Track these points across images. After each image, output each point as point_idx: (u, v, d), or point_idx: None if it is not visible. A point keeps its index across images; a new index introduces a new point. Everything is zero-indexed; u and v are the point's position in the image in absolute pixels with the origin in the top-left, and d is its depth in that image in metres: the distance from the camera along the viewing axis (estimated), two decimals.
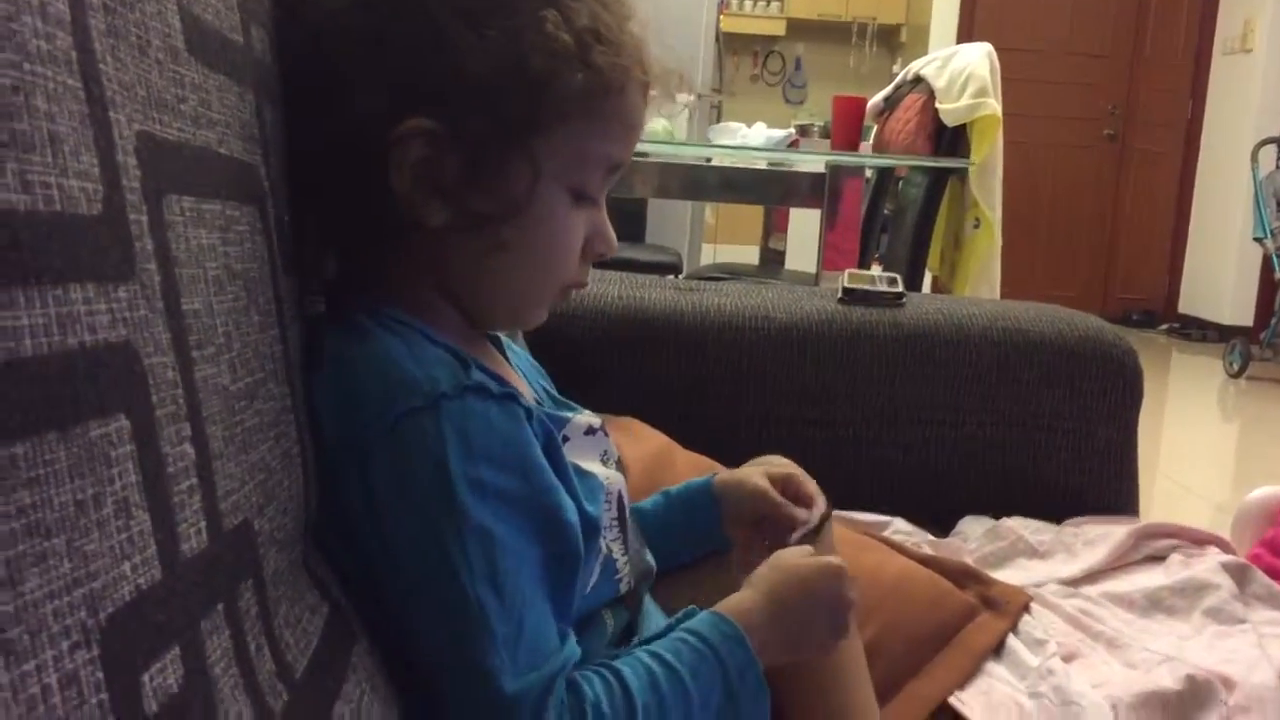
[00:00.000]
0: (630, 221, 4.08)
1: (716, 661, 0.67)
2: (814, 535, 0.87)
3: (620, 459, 0.79)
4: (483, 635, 0.59)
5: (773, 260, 4.69)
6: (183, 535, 0.41)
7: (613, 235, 0.72)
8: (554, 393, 0.83)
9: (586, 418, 0.76)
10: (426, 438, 0.60)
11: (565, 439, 0.71)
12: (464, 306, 0.71)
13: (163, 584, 0.38)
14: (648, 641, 0.70)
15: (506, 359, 0.79)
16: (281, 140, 0.63)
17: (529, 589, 0.61)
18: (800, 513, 0.86)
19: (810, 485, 0.90)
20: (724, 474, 0.91)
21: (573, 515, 0.64)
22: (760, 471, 0.89)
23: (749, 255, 5.15)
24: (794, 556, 0.76)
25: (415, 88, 0.64)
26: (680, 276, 3.74)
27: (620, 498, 0.76)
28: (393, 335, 0.65)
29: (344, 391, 0.63)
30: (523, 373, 0.80)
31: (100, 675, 0.33)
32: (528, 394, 0.75)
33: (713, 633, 0.69)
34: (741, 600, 0.72)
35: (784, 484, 0.88)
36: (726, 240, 6.43)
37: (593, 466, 0.72)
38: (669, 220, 4.50)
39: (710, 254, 5.52)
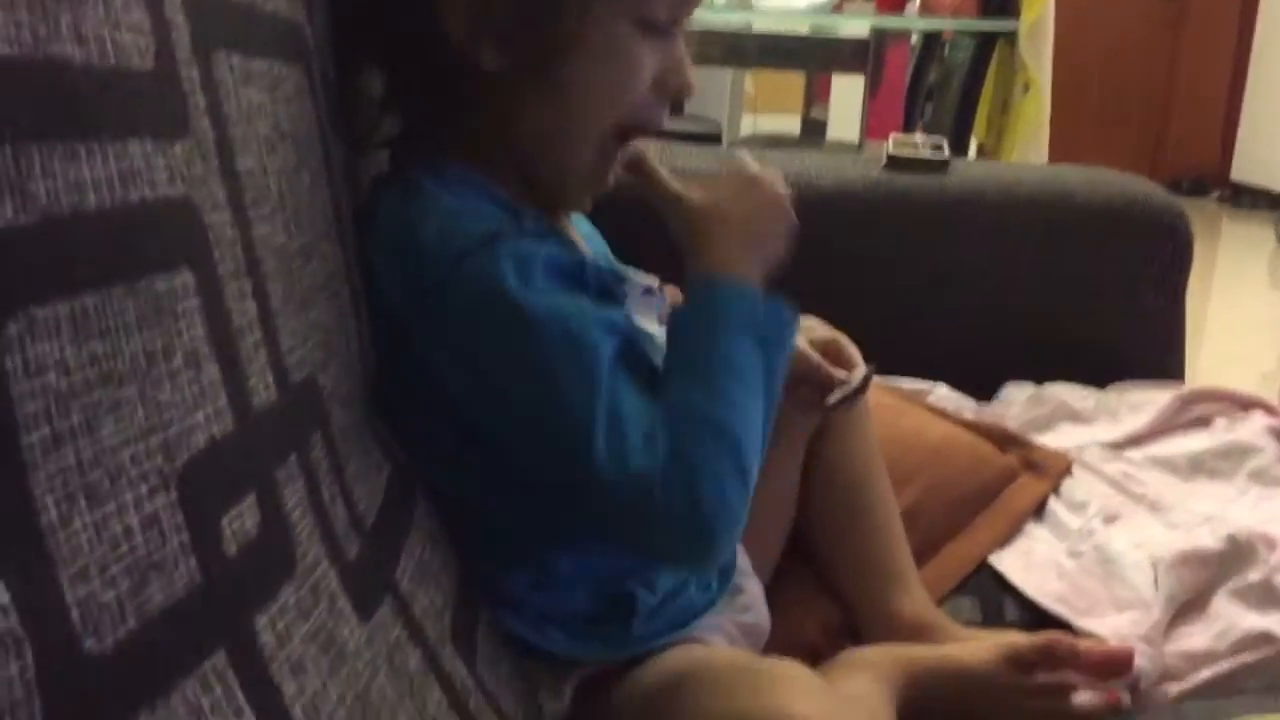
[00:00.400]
0: None
1: (711, 335, 0.67)
2: (855, 398, 0.88)
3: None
4: (587, 433, 0.61)
5: (814, 130, 4.61)
6: (252, 389, 0.42)
7: (690, 72, 0.70)
8: (612, 259, 0.84)
9: (644, 279, 0.77)
10: (486, 273, 0.61)
11: (624, 295, 0.72)
12: (522, 161, 0.70)
13: (235, 433, 0.39)
14: None
15: (568, 221, 0.79)
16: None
17: (613, 375, 0.63)
18: (840, 373, 0.86)
19: (851, 349, 0.90)
20: None
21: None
22: (803, 335, 0.89)
23: (790, 125, 5.05)
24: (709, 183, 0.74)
25: None
26: (721, 147, 3.69)
27: None
28: (448, 192, 0.66)
29: (402, 247, 0.64)
30: (584, 235, 0.80)
31: (180, 518, 0.34)
32: (587, 253, 0.75)
33: (699, 314, 0.68)
34: (692, 256, 0.71)
35: (824, 347, 0.89)
36: (767, 109, 6.31)
37: (650, 327, 0.73)
38: (707, 89, 4.41)
39: (750, 124, 5.43)
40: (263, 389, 0.42)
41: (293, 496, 0.43)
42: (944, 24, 2.95)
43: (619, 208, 1.12)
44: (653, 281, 0.76)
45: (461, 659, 0.56)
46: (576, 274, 0.66)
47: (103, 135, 0.34)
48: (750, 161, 0.74)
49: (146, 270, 0.35)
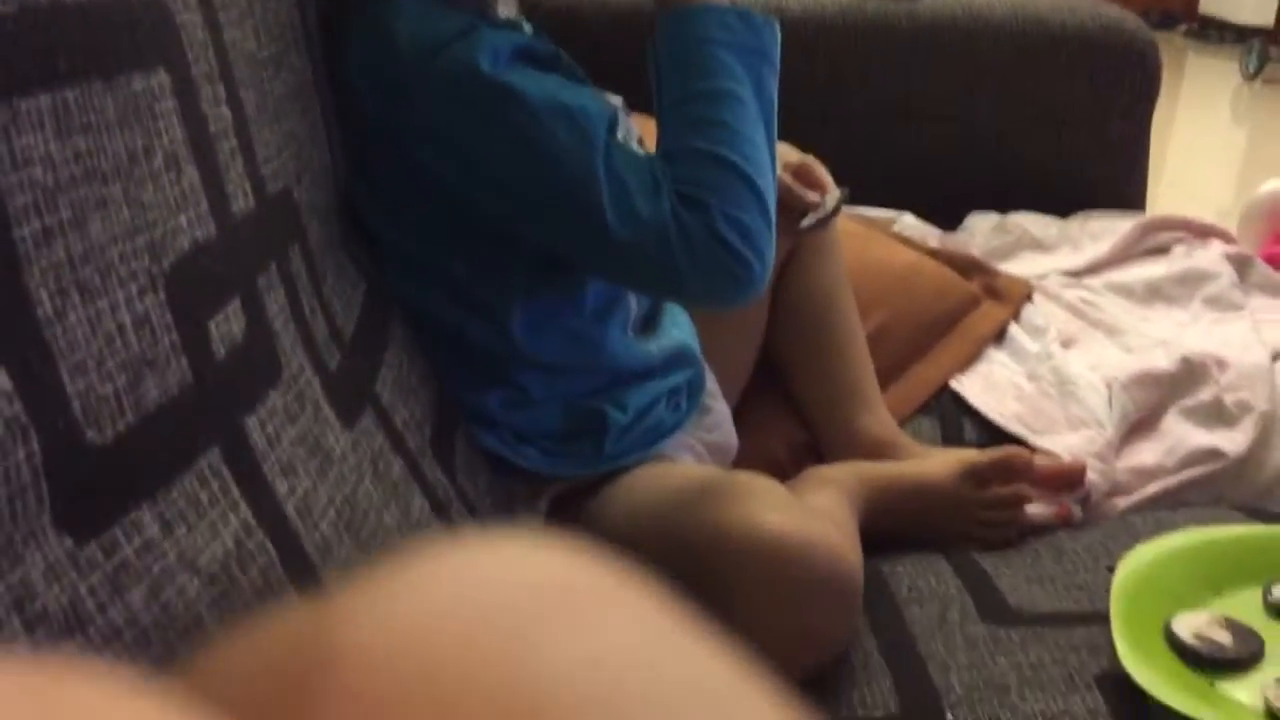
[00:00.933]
0: None
1: (690, 62, 0.67)
2: (827, 221, 0.88)
3: (642, 139, 0.79)
4: (592, 195, 0.63)
5: None
6: (231, 195, 0.41)
7: None
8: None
9: (609, 96, 0.76)
10: (464, 62, 0.62)
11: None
12: None
13: (218, 239, 0.39)
14: None
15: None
16: None
17: (608, 138, 0.64)
18: (813, 196, 0.87)
19: (823, 172, 0.90)
20: None
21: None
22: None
23: None
24: None
25: None
26: None
27: None
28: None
29: (376, 51, 0.64)
30: None
31: (169, 318, 0.35)
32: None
33: (674, 44, 0.68)
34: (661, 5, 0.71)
35: (796, 170, 0.89)
36: None
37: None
38: None
39: None
40: (241, 197, 0.42)
41: (274, 305, 0.43)
42: None
43: (571, 33, 1.10)
44: (616, 100, 0.76)
45: (442, 469, 0.57)
46: (552, 61, 0.66)
47: None
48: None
49: (124, 67, 0.35)
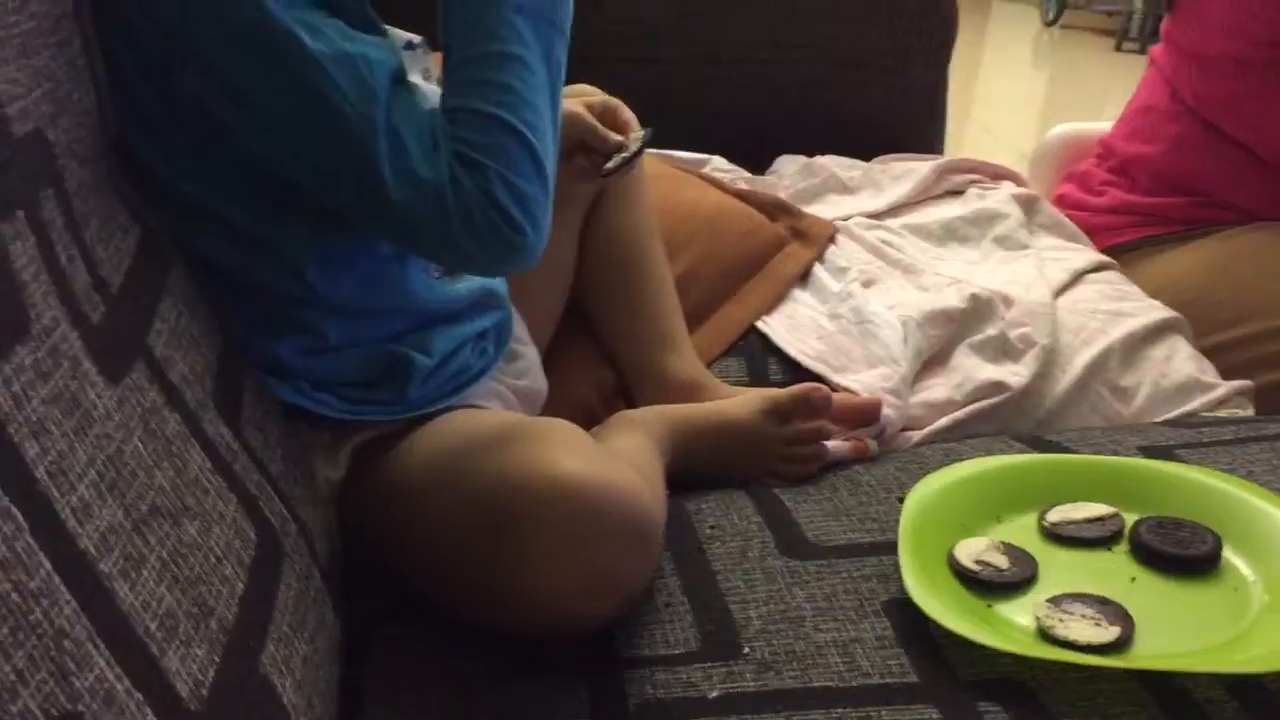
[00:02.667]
0: None
1: (479, 24, 0.66)
2: (633, 161, 0.88)
3: (440, 78, 0.77)
4: (369, 149, 0.61)
5: None
6: None
7: None
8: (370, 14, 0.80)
9: (405, 33, 0.74)
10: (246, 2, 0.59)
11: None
12: None
13: None
14: None
15: None
16: None
17: (390, 92, 0.63)
18: (617, 138, 0.86)
19: (627, 113, 0.90)
20: None
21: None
22: (578, 101, 0.88)
23: None
24: None
25: None
26: None
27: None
28: None
29: None
30: None
31: None
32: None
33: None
34: None
35: (601, 111, 0.88)
36: None
37: (416, 80, 0.71)
38: None
39: None
40: None
41: (22, 256, 0.40)
42: None
43: None
44: (414, 38, 0.74)
45: (225, 423, 0.55)
46: (335, 4, 0.64)
47: None
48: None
49: None
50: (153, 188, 0.62)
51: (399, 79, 0.65)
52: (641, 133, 0.89)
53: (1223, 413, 0.99)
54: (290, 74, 0.60)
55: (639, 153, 0.88)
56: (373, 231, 0.70)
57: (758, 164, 1.38)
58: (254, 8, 0.59)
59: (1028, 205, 1.25)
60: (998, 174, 1.34)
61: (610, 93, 0.93)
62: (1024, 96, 4.34)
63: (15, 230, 0.40)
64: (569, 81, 0.96)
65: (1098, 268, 1.17)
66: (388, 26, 0.75)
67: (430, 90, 0.71)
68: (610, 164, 0.87)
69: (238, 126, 0.62)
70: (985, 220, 1.22)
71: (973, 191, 1.29)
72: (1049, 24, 5.46)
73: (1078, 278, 1.13)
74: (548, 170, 0.66)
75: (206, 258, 0.66)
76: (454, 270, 0.78)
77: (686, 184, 1.19)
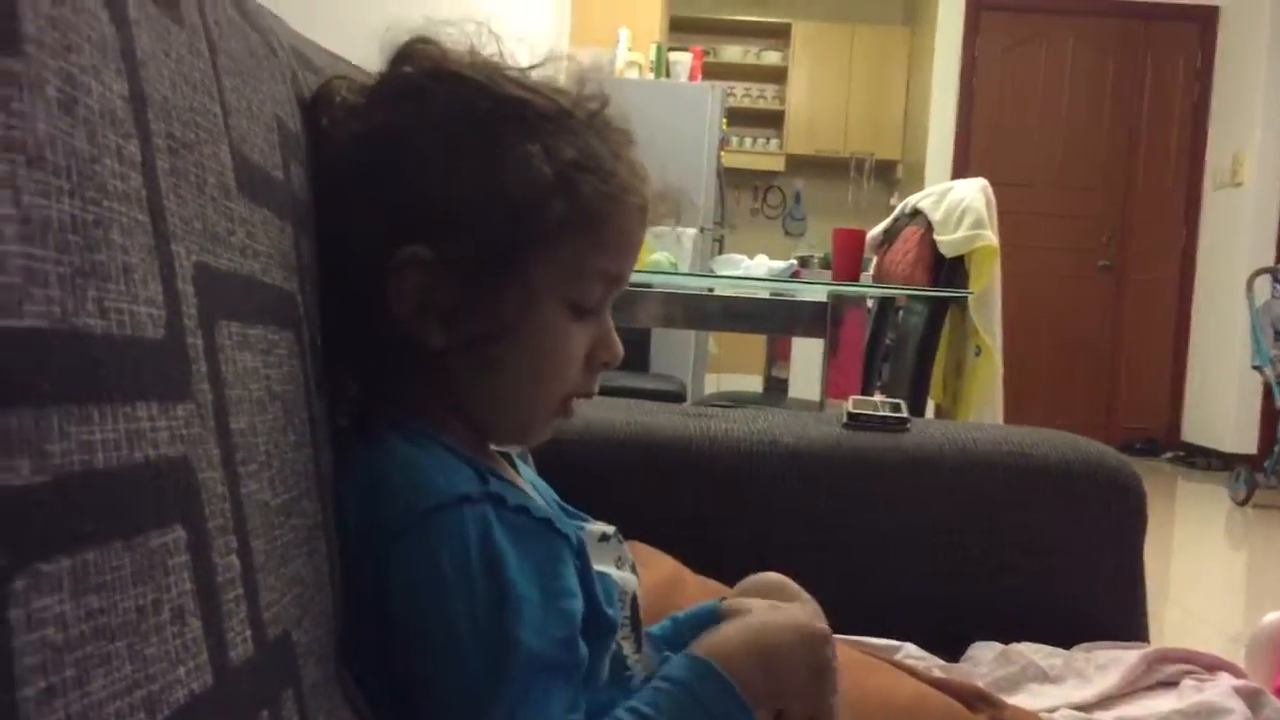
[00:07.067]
0: (634, 350, 4.13)
1: (693, 700, 0.68)
2: None
3: (635, 564, 0.81)
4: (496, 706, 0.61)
5: (776, 388, 4.73)
6: (230, 643, 0.42)
7: (617, 344, 0.75)
8: (566, 506, 0.85)
9: (600, 526, 0.78)
10: (451, 535, 0.63)
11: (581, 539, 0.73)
12: (472, 421, 0.73)
13: (214, 690, 0.40)
14: None
15: (518, 473, 0.81)
16: (315, 270, 0.67)
17: (538, 677, 0.63)
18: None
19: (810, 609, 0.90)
20: (731, 598, 0.92)
21: (576, 622, 0.66)
22: (766, 603, 0.89)
23: (752, 384, 5.19)
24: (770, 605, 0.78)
25: (407, 217, 0.68)
26: (685, 404, 3.77)
27: (634, 600, 0.77)
28: (415, 446, 0.68)
29: (368, 495, 0.66)
30: (534, 486, 0.82)
31: None
32: (540, 503, 0.77)
33: (687, 674, 0.69)
34: (717, 634, 0.74)
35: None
36: (729, 369, 6.49)
37: (608, 569, 0.74)
38: (673, 350, 4.55)
39: (714, 383, 5.56)
40: (240, 644, 0.43)
41: None
42: (897, 290, 3.09)
43: (567, 461, 1.15)
44: (608, 529, 0.78)
45: None
46: (542, 532, 0.68)
47: (115, 398, 0.36)
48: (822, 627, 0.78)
49: (144, 527, 0.37)
50: (371, 687, 0.65)
51: (568, 670, 0.66)
52: None
53: None
54: (460, 608, 0.62)
55: None
56: None
57: (951, 651, 1.34)
58: (461, 543, 0.63)
59: (1251, 699, 1.17)
60: (1213, 664, 1.27)
61: (798, 576, 0.94)
62: (1224, 577, 4.16)
63: None
64: (758, 562, 0.99)
65: None
66: (586, 520, 0.80)
67: (621, 577, 0.74)
68: None
69: (399, 636, 0.64)
70: (1207, 715, 1.14)
71: (1188, 683, 1.22)
72: (1241, 503, 5.34)
73: None
74: None
75: None
76: None
77: (877, 670, 1.16)
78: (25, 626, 0.30)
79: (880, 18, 8.31)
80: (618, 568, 0.77)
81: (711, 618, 0.89)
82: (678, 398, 3.83)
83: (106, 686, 0.33)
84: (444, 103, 0.70)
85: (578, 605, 0.67)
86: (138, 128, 0.42)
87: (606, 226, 0.72)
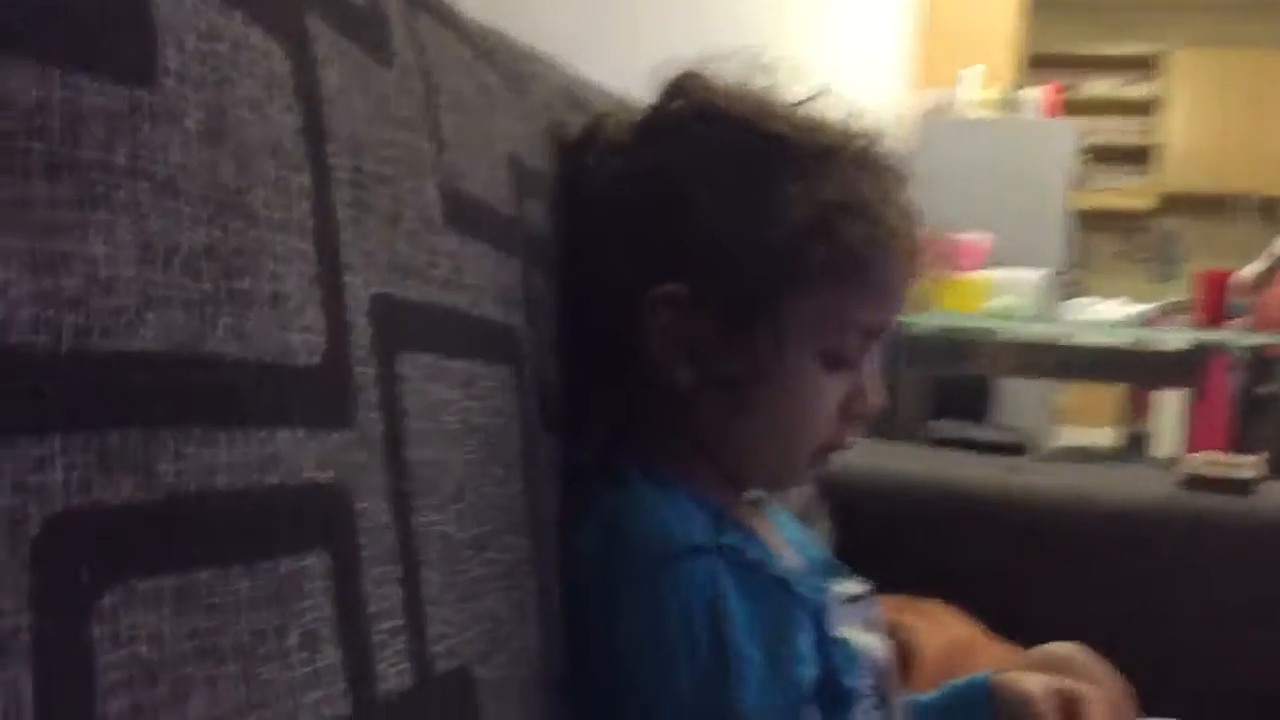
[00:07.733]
0: (970, 399, 3.94)
1: None
2: None
3: (888, 627, 0.75)
4: None
5: (1135, 444, 4.37)
6: (381, 674, 0.42)
7: (875, 393, 0.71)
8: (826, 560, 0.81)
9: (851, 585, 0.74)
10: (679, 587, 0.61)
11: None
12: (719, 465, 0.71)
13: (352, 718, 0.39)
14: None
15: (771, 523, 0.78)
16: (549, 304, 0.67)
17: None
18: None
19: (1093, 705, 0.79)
20: (1013, 670, 0.83)
21: (802, 690, 0.62)
22: (1041, 678, 0.80)
23: (1101, 438, 4.83)
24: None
25: (664, 255, 0.67)
26: (1027, 457, 3.55)
27: (879, 667, 0.72)
28: (657, 490, 0.67)
29: (606, 537, 0.65)
30: (789, 538, 0.79)
31: None
32: (790, 558, 0.73)
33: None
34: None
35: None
36: (1084, 422, 6.07)
37: (850, 633, 0.69)
38: (1019, 399, 4.31)
39: (1065, 436, 5.22)
40: (394, 675, 0.43)
41: None
42: (1269, 339, 2.77)
43: (862, 510, 1.09)
44: (861, 589, 0.73)
45: None
46: (776, 591, 0.65)
47: (248, 424, 0.37)
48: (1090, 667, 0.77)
49: (274, 551, 0.37)
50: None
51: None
52: None
53: None
54: (682, 664, 0.60)
55: None
56: None
57: None
58: (692, 597, 0.61)
59: None
60: None
61: (1112, 652, 0.84)
62: None
63: None
64: (1071, 630, 0.89)
65: None
66: (841, 577, 0.75)
67: (867, 643, 0.69)
68: None
69: (619, 684, 0.63)
70: None
71: None
72: None
73: None
74: None
75: None
76: None
77: None
78: (111, 643, 0.31)
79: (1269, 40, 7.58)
80: (864, 629, 0.72)
81: (979, 692, 0.82)
82: (1017, 450, 3.62)
83: (209, 708, 0.33)
84: (706, 141, 0.69)
85: (807, 672, 0.64)
86: (311, 161, 0.43)
87: (869, 273, 0.68)
